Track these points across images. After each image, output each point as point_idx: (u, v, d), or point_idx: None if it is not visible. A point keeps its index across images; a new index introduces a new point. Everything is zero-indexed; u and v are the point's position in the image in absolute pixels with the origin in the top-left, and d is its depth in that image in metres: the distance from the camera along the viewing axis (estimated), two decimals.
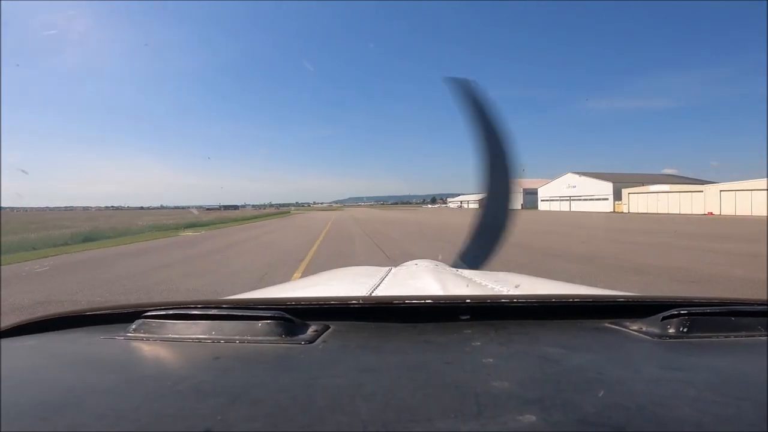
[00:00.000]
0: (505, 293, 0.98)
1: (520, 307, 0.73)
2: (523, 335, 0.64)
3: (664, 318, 0.65)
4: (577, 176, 68.23)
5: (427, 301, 0.73)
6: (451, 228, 22.52)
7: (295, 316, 0.65)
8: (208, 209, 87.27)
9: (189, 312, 0.66)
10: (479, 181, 1.99)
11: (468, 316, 0.71)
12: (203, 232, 23.65)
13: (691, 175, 63.89)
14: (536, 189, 79.62)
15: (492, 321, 0.70)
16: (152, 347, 0.61)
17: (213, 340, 0.61)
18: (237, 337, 0.61)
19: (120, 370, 0.54)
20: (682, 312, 0.65)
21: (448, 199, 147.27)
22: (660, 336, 0.62)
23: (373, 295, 1.02)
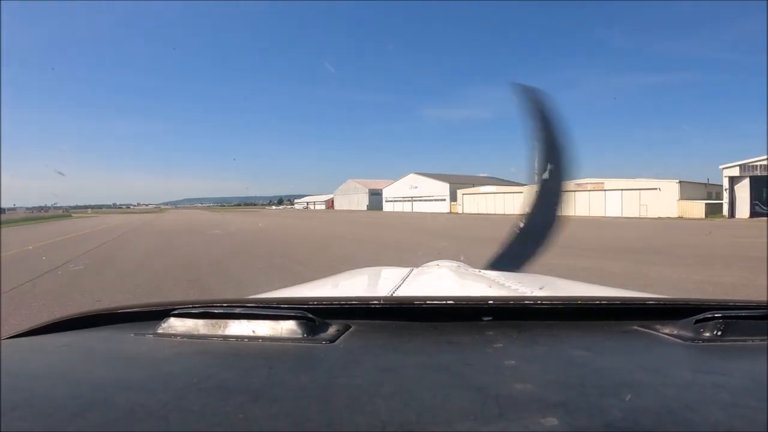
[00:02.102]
0: (528, 294, 0.97)
1: (544, 309, 0.71)
2: (546, 337, 0.62)
3: (697, 321, 0.63)
4: (418, 177, 70.30)
5: (448, 301, 0.72)
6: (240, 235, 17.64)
7: (317, 316, 0.65)
8: None
9: (214, 311, 0.67)
10: (533, 186, 1.82)
11: (490, 318, 0.70)
12: None
13: (501, 177, 71.78)
14: (381, 190, 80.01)
15: (515, 322, 0.68)
16: (179, 345, 0.62)
17: (237, 339, 0.62)
18: (260, 336, 0.62)
19: (149, 367, 0.56)
20: (716, 315, 0.63)
21: (295, 201, 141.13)
22: (693, 339, 0.61)
23: (394, 295, 1.02)
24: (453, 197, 61.94)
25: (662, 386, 0.45)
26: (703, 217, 36.20)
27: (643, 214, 40.79)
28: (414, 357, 0.55)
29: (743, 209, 33.69)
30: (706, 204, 38.51)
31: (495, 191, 56.85)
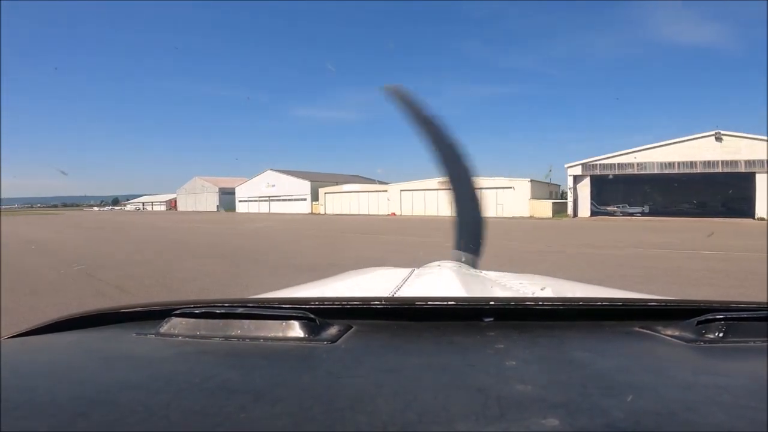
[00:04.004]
0: (530, 295, 0.99)
1: (545, 310, 0.72)
2: (548, 338, 0.62)
3: (699, 323, 0.63)
4: (276, 174, 62.67)
5: (449, 302, 0.72)
6: None
7: (319, 316, 0.65)
8: None
9: (216, 311, 0.67)
10: (446, 182, 1.86)
11: (491, 318, 0.70)
12: None
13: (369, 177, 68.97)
14: (234, 188, 69.91)
15: (516, 323, 0.69)
16: (181, 345, 0.62)
17: (239, 339, 0.62)
18: (262, 336, 0.62)
19: (151, 366, 0.56)
20: (718, 317, 0.63)
21: (128, 201, 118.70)
22: (694, 341, 0.61)
23: (395, 295, 1.02)
24: (315, 196, 56.13)
25: (664, 387, 0.45)
26: (551, 216, 37.40)
27: (500, 214, 41.05)
28: (415, 357, 0.55)
29: (585, 208, 35.37)
30: (553, 203, 40.23)
31: (359, 190, 52.85)
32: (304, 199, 57.48)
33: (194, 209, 75.53)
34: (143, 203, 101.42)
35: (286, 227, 25.72)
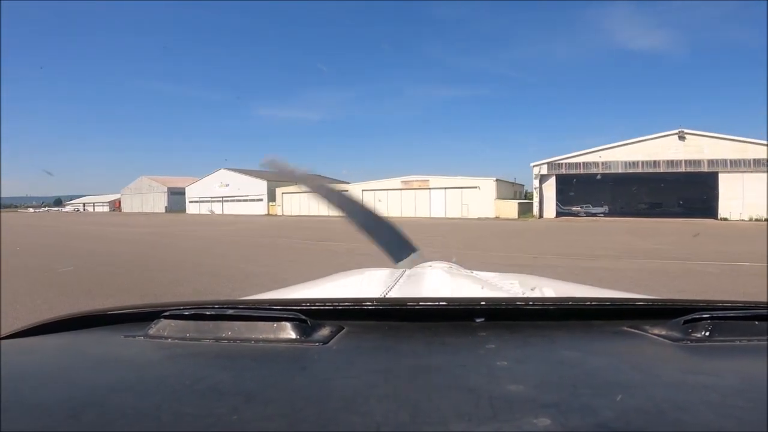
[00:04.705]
0: (520, 295, 1.00)
1: (535, 310, 0.73)
2: (538, 338, 0.63)
3: (685, 322, 0.64)
4: (230, 173, 58.67)
5: (441, 303, 0.73)
6: None
7: (310, 317, 0.65)
8: None
9: (206, 312, 0.67)
10: (349, 221, 1.87)
11: (483, 319, 0.70)
12: None
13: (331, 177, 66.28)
14: (184, 188, 65.12)
15: (507, 323, 0.69)
16: (171, 347, 0.62)
17: (229, 341, 0.62)
18: (253, 338, 0.62)
19: (140, 369, 0.56)
20: (704, 316, 0.64)
21: (69, 202, 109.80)
22: (681, 340, 0.62)
23: (387, 296, 1.03)
24: (272, 197, 52.74)
25: (652, 386, 0.46)
26: (517, 217, 36.25)
27: (465, 215, 39.58)
28: (407, 358, 0.55)
29: (551, 209, 34.38)
30: (519, 204, 39.18)
31: None
32: (261, 200, 54.02)
33: (140, 210, 70.06)
34: (84, 204, 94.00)
35: (220, 230, 22.87)
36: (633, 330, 0.66)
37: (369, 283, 1.33)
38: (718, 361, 0.56)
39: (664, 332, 0.63)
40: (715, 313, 0.64)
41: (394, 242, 1.69)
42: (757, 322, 0.64)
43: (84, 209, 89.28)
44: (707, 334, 0.61)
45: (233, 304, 0.69)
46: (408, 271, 1.36)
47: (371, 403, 0.41)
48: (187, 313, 0.66)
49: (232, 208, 56.47)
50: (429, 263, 1.59)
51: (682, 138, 30.66)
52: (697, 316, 0.63)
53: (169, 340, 0.63)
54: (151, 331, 0.65)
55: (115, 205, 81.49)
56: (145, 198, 72.80)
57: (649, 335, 0.63)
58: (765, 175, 28.04)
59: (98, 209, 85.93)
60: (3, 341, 0.70)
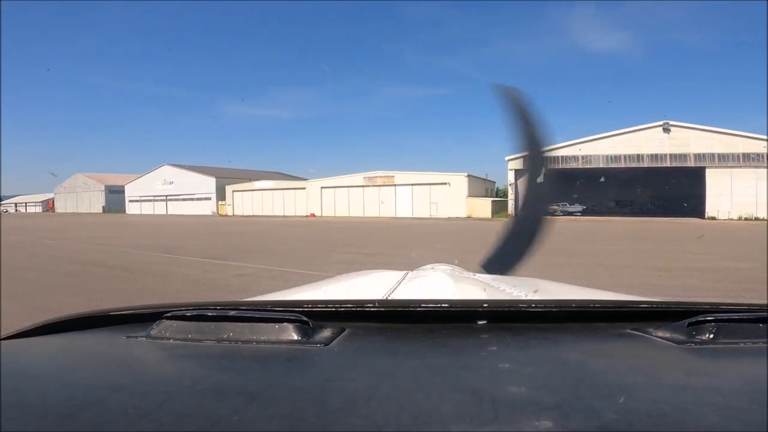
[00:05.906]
0: (523, 298, 1.00)
1: (538, 312, 0.73)
2: (541, 340, 0.63)
3: (690, 324, 0.64)
4: (175, 169, 52.72)
5: (443, 305, 0.72)
6: None
7: (312, 319, 0.65)
8: None
9: (208, 314, 0.67)
10: (524, 186, 2.02)
11: (485, 321, 0.70)
12: None
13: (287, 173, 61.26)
14: (123, 186, 58.46)
15: (509, 325, 0.69)
16: (172, 348, 0.62)
17: (231, 342, 0.62)
18: (254, 339, 0.62)
19: (142, 369, 0.56)
20: (708, 318, 0.63)
21: (1, 203, 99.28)
22: (685, 342, 0.61)
23: (389, 298, 1.02)
24: (222, 195, 47.43)
25: (656, 389, 0.46)
26: (490, 216, 33.00)
27: (434, 214, 36.02)
28: (409, 360, 0.55)
29: None
30: (492, 202, 35.97)
31: (273, 187, 45.16)
32: (209, 198, 48.59)
33: (75, 210, 62.68)
34: (16, 204, 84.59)
35: (133, 234, 17.79)
36: (636, 332, 0.65)
37: (371, 284, 1.33)
38: (722, 364, 0.56)
39: (668, 334, 0.63)
40: (719, 316, 0.63)
41: (512, 254, 1.69)
42: (761, 325, 0.63)
43: (16, 210, 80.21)
44: (711, 336, 0.61)
45: (235, 306, 0.69)
46: (410, 274, 1.35)
47: (373, 404, 0.41)
48: (189, 314, 0.66)
49: (177, 208, 50.73)
50: (431, 266, 1.61)
51: (666, 130, 28.18)
52: (701, 319, 0.63)
53: (171, 340, 0.63)
54: (153, 332, 0.65)
55: (49, 205, 74.07)
56: (81, 197, 65.39)
57: (653, 337, 0.63)
58: (754, 171, 25.81)
59: (30, 209, 77.32)
60: (4, 341, 0.70)
